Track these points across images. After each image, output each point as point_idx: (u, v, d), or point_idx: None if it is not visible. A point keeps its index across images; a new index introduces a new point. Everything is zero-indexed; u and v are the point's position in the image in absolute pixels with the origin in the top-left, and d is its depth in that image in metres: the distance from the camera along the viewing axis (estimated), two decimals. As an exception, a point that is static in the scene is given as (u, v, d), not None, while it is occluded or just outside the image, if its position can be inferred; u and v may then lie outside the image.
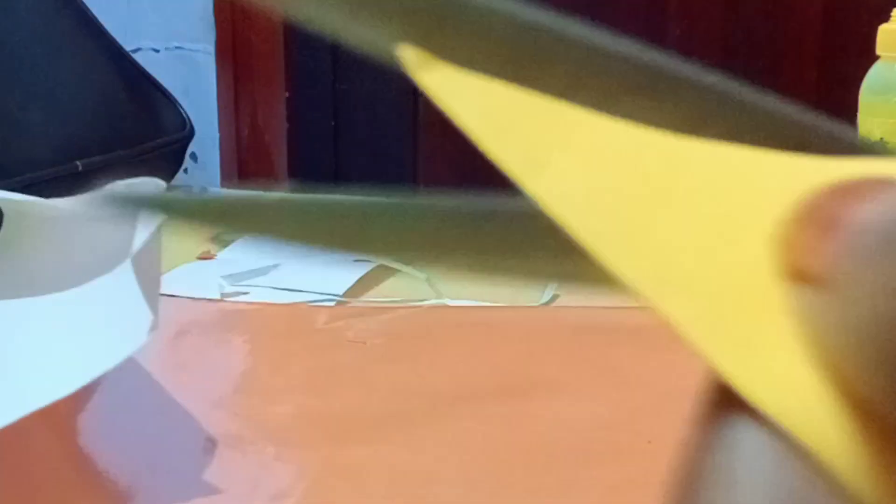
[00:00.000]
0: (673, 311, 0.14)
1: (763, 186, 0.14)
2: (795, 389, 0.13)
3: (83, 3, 0.96)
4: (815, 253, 0.13)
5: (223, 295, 0.72)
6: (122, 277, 0.50)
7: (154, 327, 0.48)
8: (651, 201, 0.14)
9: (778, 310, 0.13)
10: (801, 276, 0.13)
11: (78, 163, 0.87)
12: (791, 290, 0.13)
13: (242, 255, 0.81)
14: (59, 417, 0.48)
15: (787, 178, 0.14)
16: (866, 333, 0.12)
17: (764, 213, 0.13)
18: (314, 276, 0.75)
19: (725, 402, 0.13)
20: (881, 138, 0.72)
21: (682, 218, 0.14)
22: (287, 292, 0.73)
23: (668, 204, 0.14)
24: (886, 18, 0.76)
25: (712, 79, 0.15)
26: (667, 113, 0.15)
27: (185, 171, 1.16)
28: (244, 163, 2.15)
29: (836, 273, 0.12)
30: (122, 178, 0.83)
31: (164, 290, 0.51)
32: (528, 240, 0.16)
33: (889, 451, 0.13)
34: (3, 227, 0.60)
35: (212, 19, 2.06)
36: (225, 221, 0.17)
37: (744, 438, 0.13)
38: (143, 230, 0.49)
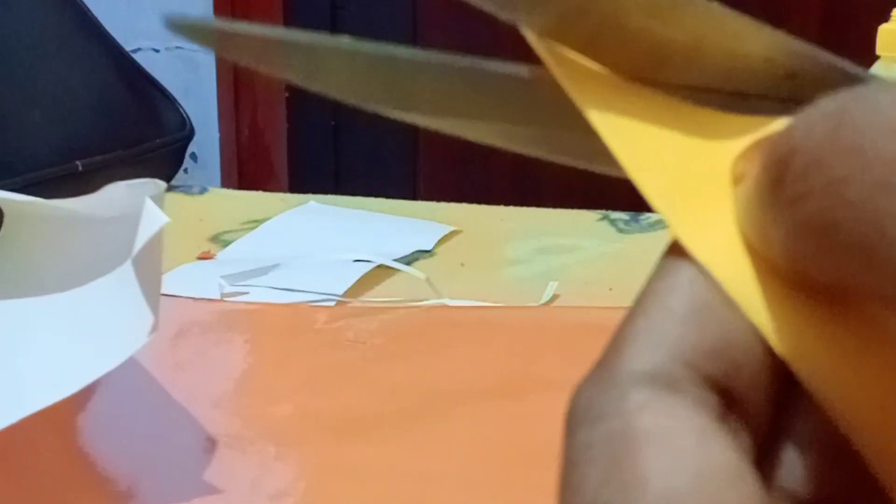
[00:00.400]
0: (648, 185, 0.19)
1: (732, 136, 0.20)
2: (720, 247, 0.19)
3: (83, 3, 0.96)
4: (742, 166, 0.19)
5: (223, 295, 0.72)
6: (123, 278, 0.50)
7: (154, 329, 0.48)
8: (660, 132, 0.20)
9: (724, 203, 0.19)
10: (735, 179, 0.19)
11: (78, 163, 0.87)
12: (734, 189, 0.19)
13: (242, 255, 0.81)
14: (60, 417, 0.48)
15: (744, 132, 0.20)
16: (754, 206, 0.18)
17: (729, 153, 0.20)
18: (314, 276, 0.75)
19: (675, 253, 0.19)
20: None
21: (679, 143, 0.20)
22: (287, 292, 0.73)
23: (672, 135, 0.20)
24: (886, 18, 0.76)
25: None
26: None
27: (186, 171, 1.17)
28: (244, 163, 2.15)
29: (744, 172, 0.19)
30: (122, 177, 0.83)
31: (164, 290, 0.51)
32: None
33: (773, 283, 0.18)
34: (3, 227, 0.60)
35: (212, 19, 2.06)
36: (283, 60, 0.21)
37: (681, 272, 0.19)
38: (144, 231, 0.49)
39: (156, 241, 0.49)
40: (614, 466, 0.17)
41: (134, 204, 0.51)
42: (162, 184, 0.55)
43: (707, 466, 0.17)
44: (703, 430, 0.17)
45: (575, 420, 0.18)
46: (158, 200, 0.51)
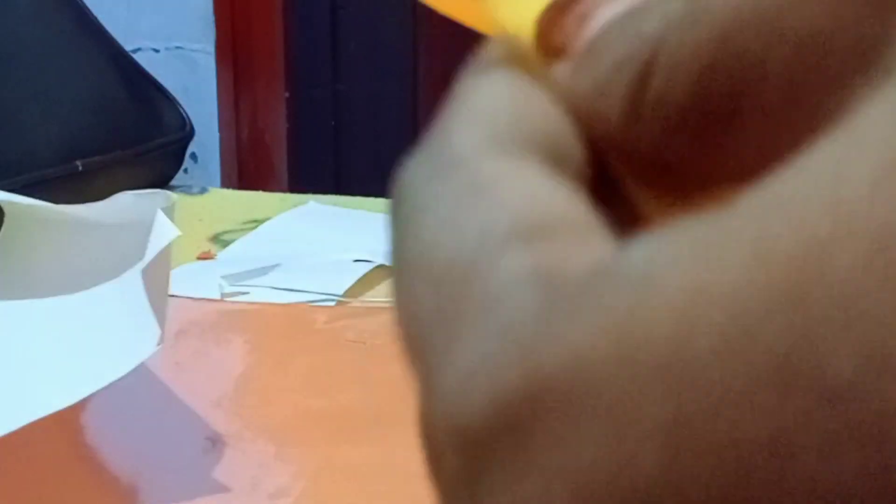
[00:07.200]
0: None
1: None
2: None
3: (83, 3, 0.96)
4: (569, 36, 0.18)
5: (223, 295, 0.73)
6: (129, 285, 0.50)
7: (161, 341, 0.48)
8: None
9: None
10: (555, 51, 0.18)
11: (78, 163, 0.87)
12: (548, 61, 0.18)
13: (242, 255, 0.81)
14: (61, 416, 0.48)
15: None
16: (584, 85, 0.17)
17: None
18: (314, 276, 0.75)
19: (478, 73, 0.18)
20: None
21: None
22: (287, 292, 0.73)
23: None
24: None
25: None
26: None
27: (185, 171, 1.17)
28: (244, 163, 2.15)
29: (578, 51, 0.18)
30: (122, 177, 0.83)
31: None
32: None
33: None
34: (4, 228, 0.60)
35: (212, 19, 2.06)
36: None
37: (492, 82, 0.18)
38: (155, 243, 0.49)
39: (165, 254, 0.49)
40: (466, 205, 0.16)
41: (141, 212, 0.51)
42: (173, 195, 0.55)
43: (561, 191, 0.16)
44: (552, 177, 0.16)
45: (408, 186, 0.17)
46: (169, 212, 0.51)
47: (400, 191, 0.17)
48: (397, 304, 0.16)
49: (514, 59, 0.18)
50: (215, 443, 0.55)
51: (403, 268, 0.16)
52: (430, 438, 0.16)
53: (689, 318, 0.13)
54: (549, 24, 0.18)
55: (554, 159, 0.17)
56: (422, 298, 0.16)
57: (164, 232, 0.49)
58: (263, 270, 0.75)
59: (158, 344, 0.48)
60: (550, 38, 0.18)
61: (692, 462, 0.12)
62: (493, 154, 0.16)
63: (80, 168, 0.87)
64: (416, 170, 0.17)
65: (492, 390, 0.14)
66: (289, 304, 0.72)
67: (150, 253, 0.49)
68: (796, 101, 0.16)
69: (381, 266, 0.76)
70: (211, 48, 2.07)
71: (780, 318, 0.12)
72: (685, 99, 0.16)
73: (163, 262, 0.50)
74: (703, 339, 0.13)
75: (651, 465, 0.13)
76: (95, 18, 0.96)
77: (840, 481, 0.12)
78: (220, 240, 0.84)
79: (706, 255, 0.13)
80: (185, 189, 0.95)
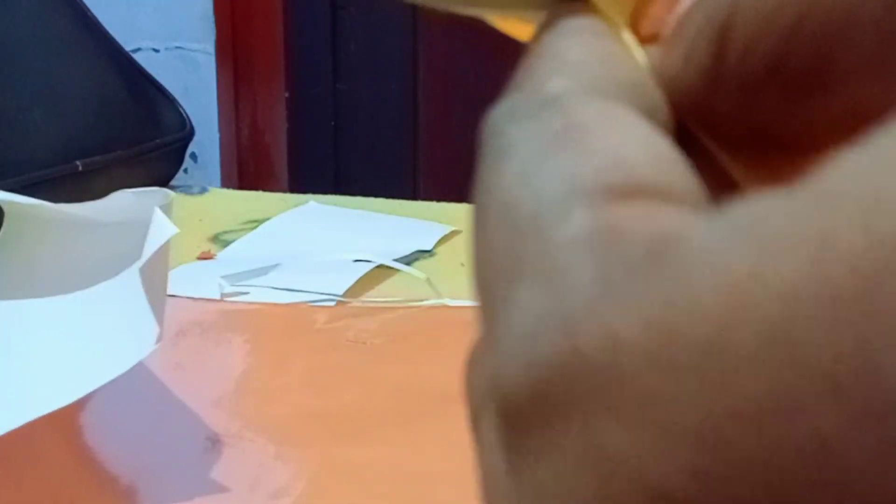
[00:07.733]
0: None
1: None
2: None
3: (83, 3, 0.96)
4: (659, 22, 0.18)
5: (223, 295, 0.73)
6: (129, 284, 0.50)
7: (159, 339, 0.48)
8: None
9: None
10: (647, 39, 0.18)
11: (78, 163, 0.87)
12: (640, 43, 0.18)
13: (242, 255, 0.81)
14: (61, 416, 0.48)
15: None
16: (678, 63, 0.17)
17: None
18: (314, 276, 0.75)
19: (559, 25, 0.18)
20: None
21: None
22: (287, 292, 0.73)
23: None
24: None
25: None
26: None
27: (185, 171, 1.17)
28: (244, 163, 2.15)
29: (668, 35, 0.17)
30: (122, 177, 0.83)
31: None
32: None
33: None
34: (4, 228, 0.60)
35: (212, 19, 2.06)
36: None
37: (574, 33, 0.17)
38: (153, 241, 0.49)
39: (163, 251, 0.49)
40: (557, 148, 0.15)
41: (140, 210, 0.51)
42: (171, 193, 0.55)
43: (659, 145, 0.15)
44: (646, 122, 0.16)
45: (498, 125, 0.16)
46: (167, 210, 0.51)
47: (489, 129, 0.16)
48: (473, 243, 0.16)
49: (600, 20, 0.18)
50: (215, 443, 0.55)
51: (483, 206, 0.16)
52: (477, 392, 0.15)
53: (737, 306, 0.12)
54: (639, 13, 0.18)
55: (646, 112, 0.16)
56: (495, 243, 0.15)
57: (162, 230, 0.49)
58: (263, 270, 0.75)
59: (157, 342, 0.48)
60: (641, 27, 0.18)
61: (726, 469, 0.12)
62: (590, 96, 0.16)
63: (80, 168, 0.87)
64: (508, 109, 0.16)
65: (530, 360, 0.13)
66: (289, 304, 0.72)
67: (148, 251, 0.49)
68: (887, 63, 0.15)
69: (381, 266, 0.76)
70: (211, 48, 2.07)
71: (839, 319, 0.11)
72: (767, 60, 0.16)
73: (161, 259, 0.50)
74: (749, 331, 0.11)
75: (681, 467, 0.12)
76: (95, 18, 0.96)
77: (883, 500, 0.11)
78: (220, 240, 0.84)
79: (766, 241, 0.12)
80: (185, 189, 0.95)
